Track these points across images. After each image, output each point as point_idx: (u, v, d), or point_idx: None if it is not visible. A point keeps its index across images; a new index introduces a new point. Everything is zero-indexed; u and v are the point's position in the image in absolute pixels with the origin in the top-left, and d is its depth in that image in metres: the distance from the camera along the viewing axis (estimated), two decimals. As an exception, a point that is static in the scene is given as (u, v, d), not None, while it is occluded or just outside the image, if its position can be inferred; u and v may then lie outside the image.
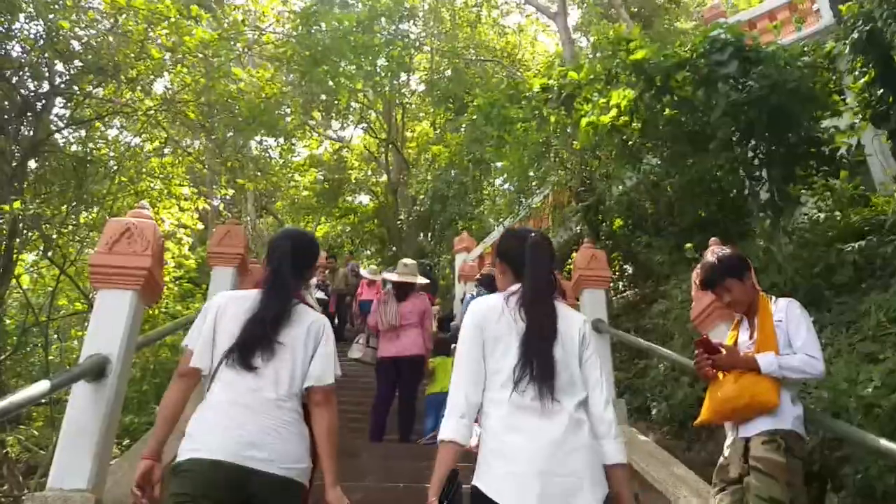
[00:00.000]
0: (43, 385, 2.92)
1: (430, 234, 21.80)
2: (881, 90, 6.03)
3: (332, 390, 2.48)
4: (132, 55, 8.91)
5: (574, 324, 2.28)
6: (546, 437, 2.04)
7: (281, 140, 12.57)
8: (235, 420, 2.23)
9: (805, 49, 6.90)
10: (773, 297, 3.11)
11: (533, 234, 2.41)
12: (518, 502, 1.97)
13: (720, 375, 2.99)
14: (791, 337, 2.93)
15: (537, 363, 2.12)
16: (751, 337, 3.04)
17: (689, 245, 7.60)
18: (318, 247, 2.89)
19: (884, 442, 2.77)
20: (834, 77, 6.98)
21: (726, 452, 2.98)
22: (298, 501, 2.34)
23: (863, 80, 6.22)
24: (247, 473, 2.15)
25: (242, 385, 2.32)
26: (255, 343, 2.37)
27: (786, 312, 2.99)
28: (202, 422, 2.28)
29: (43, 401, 7.80)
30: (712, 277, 3.10)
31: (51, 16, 8.87)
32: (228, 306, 2.50)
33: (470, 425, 2.13)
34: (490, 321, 2.22)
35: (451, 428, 2.11)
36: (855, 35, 5.74)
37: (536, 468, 1.99)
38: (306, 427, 2.40)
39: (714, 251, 3.25)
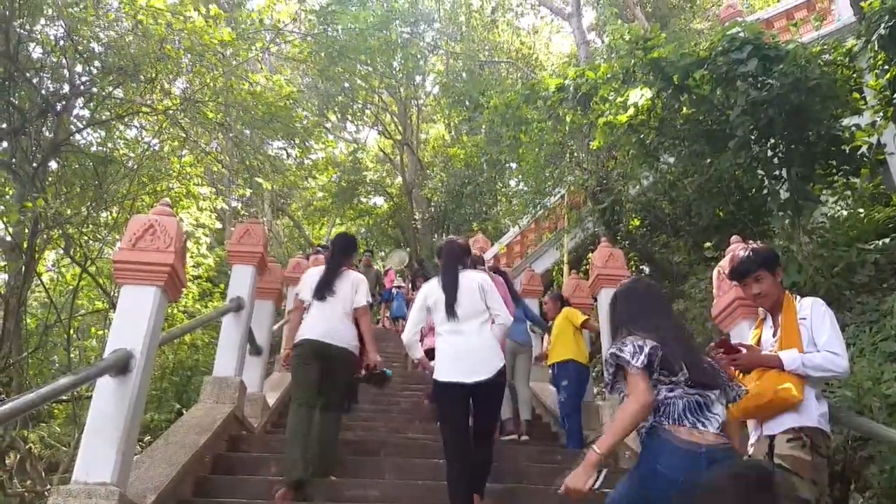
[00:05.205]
0: (68, 379, 2.96)
1: (444, 235, 21.79)
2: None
3: (367, 308, 4.72)
4: (152, 55, 8.99)
5: (475, 281, 4.16)
6: (463, 344, 3.99)
7: (297, 141, 12.62)
8: (321, 322, 4.53)
9: (825, 47, 6.83)
10: (798, 297, 3.08)
11: (445, 240, 4.68)
12: (451, 375, 3.90)
13: (739, 375, 2.96)
14: (815, 335, 2.90)
15: (448, 309, 4.05)
16: (775, 335, 3.01)
17: (707, 244, 7.55)
18: (355, 241, 5.24)
19: (911, 440, 2.73)
20: (854, 75, 6.90)
21: (751, 450, 2.96)
22: (353, 362, 4.62)
23: (885, 78, 6.14)
24: (327, 346, 4.45)
25: (320, 308, 4.60)
26: (323, 289, 4.64)
27: (810, 310, 2.96)
28: (306, 324, 4.58)
29: (64, 398, 7.91)
30: (747, 268, 3.06)
31: (71, 16, 8.98)
32: (314, 274, 4.79)
33: (419, 346, 4.34)
34: (431, 292, 4.21)
35: (417, 352, 4.34)
36: (883, 31, 5.63)
37: (459, 360, 3.94)
38: (355, 327, 4.65)
39: (741, 247, 3.22)
